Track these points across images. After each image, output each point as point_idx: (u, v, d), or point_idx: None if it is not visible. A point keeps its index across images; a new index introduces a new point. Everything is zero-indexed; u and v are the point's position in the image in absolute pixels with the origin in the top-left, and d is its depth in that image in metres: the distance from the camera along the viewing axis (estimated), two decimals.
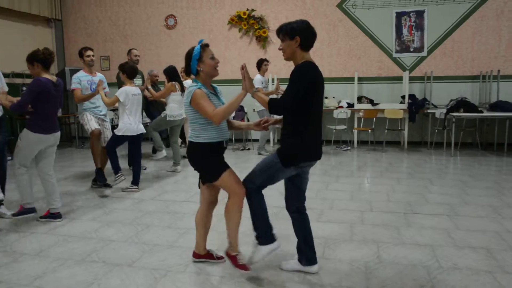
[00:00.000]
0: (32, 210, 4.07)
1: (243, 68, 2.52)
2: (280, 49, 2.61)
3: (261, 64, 7.26)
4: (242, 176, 2.70)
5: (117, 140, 4.93)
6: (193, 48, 2.66)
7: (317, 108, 2.56)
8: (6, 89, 4.17)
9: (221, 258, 2.96)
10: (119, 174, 4.95)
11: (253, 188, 2.62)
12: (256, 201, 2.64)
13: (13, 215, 4.04)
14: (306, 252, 2.76)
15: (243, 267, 2.69)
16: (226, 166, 2.66)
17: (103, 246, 3.34)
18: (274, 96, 7.79)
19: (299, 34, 2.50)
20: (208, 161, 2.66)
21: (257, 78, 7.22)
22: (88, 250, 3.25)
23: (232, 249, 2.75)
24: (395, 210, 4.14)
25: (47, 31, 9.88)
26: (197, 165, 2.71)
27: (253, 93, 2.57)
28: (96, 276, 2.80)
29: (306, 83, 2.43)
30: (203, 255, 2.96)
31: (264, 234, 2.65)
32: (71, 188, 5.29)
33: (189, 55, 2.66)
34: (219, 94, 2.81)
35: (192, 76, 2.76)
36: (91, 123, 5.07)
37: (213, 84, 2.82)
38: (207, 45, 2.70)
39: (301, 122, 2.51)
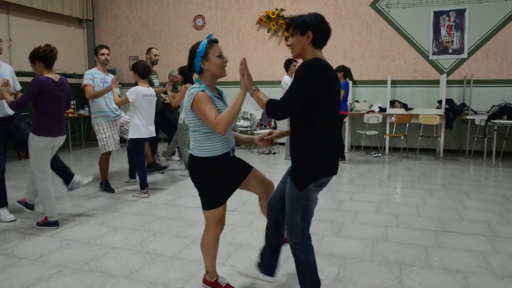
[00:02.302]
0: (55, 224, 3.77)
1: (242, 63, 2.15)
2: (288, 45, 2.24)
3: (289, 65, 6.98)
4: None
5: (136, 144, 4.76)
6: (198, 43, 2.30)
7: (328, 113, 2.14)
8: (19, 87, 4.10)
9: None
10: (144, 191, 4.83)
11: (301, 235, 2.22)
12: (310, 253, 2.26)
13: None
14: (271, 261, 2.48)
15: (228, 287, 2.51)
16: (221, 201, 2.36)
17: (104, 253, 3.17)
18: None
19: (311, 29, 2.13)
20: (207, 186, 2.34)
21: (286, 80, 6.95)
22: (88, 258, 3.08)
23: (210, 276, 2.54)
24: (424, 226, 3.74)
25: (79, 31, 10.03)
26: (197, 184, 2.38)
27: (252, 92, 2.18)
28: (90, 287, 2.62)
29: (313, 83, 2.03)
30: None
31: None
32: (87, 189, 5.18)
33: (193, 51, 2.30)
34: (224, 99, 2.46)
35: (196, 76, 2.47)
36: (109, 143, 4.88)
37: (218, 87, 2.48)
38: (215, 41, 2.33)
39: (309, 131, 2.13)
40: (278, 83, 8.45)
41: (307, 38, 2.15)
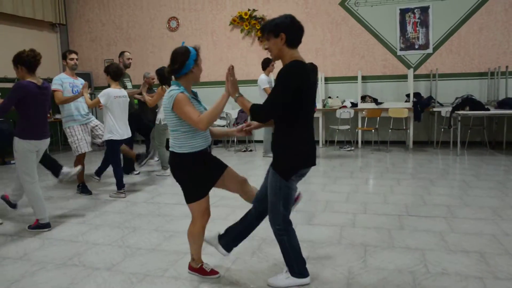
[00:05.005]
0: (47, 226, 3.81)
1: (229, 70, 2.36)
2: (266, 49, 2.45)
3: (268, 64, 7.14)
4: (248, 181, 2.59)
5: (112, 146, 4.85)
6: (188, 48, 2.48)
7: (308, 111, 2.39)
8: None
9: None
10: (121, 191, 4.94)
11: (283, 221, 2.47)
12: (292, 236, 2.50)
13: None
14: (227, 238, 2.70)
15: (213, 272, 2.74)
16: (203, 193, 2.56)
17: (86, 249, 3.30)
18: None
19: (283, 31, 2.30)
20: (188, 180, 2.53)
21: (263, 78, 7.09)
22: (71, 254, 3.21)
23: (196, 263, 2.76)
24: (389, 212, 4.00)
25: (52, 35, 9.98)
26: (179, 179, 2.57)
27: (236, 98, 2.39)
28: (73, 280, 2.75)
29: (295, 86, 2.24)
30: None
31: (299, 270, 2.55)
32: (67, 190, 5.29)
33: (186, 54, 2.45)
34: (199, 99, 2.66)
35: (173, 78, 2.59)
36: (81, 144, 4.94)
37: (193, 89, 2.69)
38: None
39: (292, 127, 2.34)
40: (252, 82, 8.68)
41: (281, 40, 2.32)
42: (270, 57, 7.07)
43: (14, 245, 3.46)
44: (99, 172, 5.46)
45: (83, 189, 5.13)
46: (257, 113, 2.33)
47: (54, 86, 4.83)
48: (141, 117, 6.38)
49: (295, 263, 2.53)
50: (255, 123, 2.69)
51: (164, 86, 5.74)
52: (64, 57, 5.05)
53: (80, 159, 5.09)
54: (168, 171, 5.98)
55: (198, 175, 2.52)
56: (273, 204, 2.45)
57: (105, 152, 5.55)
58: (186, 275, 2.78)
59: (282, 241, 2.50)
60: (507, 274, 2.62)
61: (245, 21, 8.95)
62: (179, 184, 2.58)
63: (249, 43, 9.14)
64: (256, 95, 7.16)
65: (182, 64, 2.44)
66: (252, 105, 2.34)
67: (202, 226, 2.64)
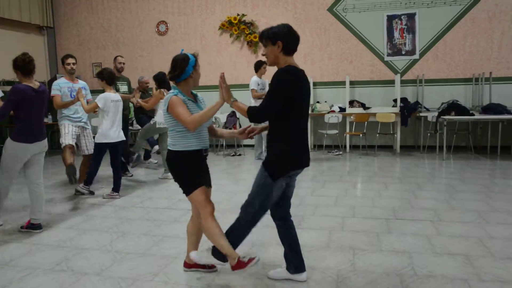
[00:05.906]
0: None
1: (221, 77, 2.46)
2: (263, 55, 2.56)
3: (260, 66, 7.22)
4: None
5: (99, 149, 4.86)
6: (187, 56, 2.61)
7: (301, 113, 2.49)
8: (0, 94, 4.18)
9: (212, 266, 2.88)
10: (87, 187, 4.97)
11: (251, 217, 2.51)
12: (249, 224, 2.53)
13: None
14: (293, 260, 2.69)
15: (250, 260, 2.52)
16: (200, 183, 2.61)
17: (75, 254, 3.28)
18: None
19: (281, 39, 2.43)
20: (183, 172, 2.61)
21: (253, 80, 7.19)
22: (59, 259, 3.18)
23: (232, 259, 2.51)
24: (377, 216, 4.05)
25: (39, 38, 9.89)
26: (174, 174, 2.65)
27: (232, 103, 2.48)
28: (62, 286, 2.73)
29: (288, 89, 2.35)
30: (193, 265, 2.85)
31: (232, 241, 2.56)
32: (55, 195, 5.24)
33: (185, 61, 2.59)
34: (199, 102, 2.77)
35: (172, 83, 2.70)
36: (66, 137, 4.97)
37: (194, 92, 2.78)
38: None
39: (285, 129, 2.45)
40: (241, 86, 8.74)
41: (278, 47, 2.44)
42: (262, 60, 7.11)
43: (0, 251, 3.41)
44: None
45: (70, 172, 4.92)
46: (255, 114, 2.42)
47: (52, 92, 4.94)
48: (139, 118, 6.86)
49: (232, 236, 2.54)
50: (257, 127, 2.77)
51: (162, 90, 5.81)
52: (62, 62, 5.14)
53: (66, 152, 4.90)
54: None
55: (190, 168, 2.60)
56: (251, 198, 2.51)
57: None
58: (175, 280, 2.78)
59: (243, 218, 2.53)
60: (492, 276, 2.68)
61: (234, 26, 8.99)
62: (175, 181, 2.64)
63: (238, 47, 9.17)
64: (247, 98, 7.20)
65: (182, 71, 2.59)
66: (249, 107, 2.45)
67: (210, 214, 2.57)
